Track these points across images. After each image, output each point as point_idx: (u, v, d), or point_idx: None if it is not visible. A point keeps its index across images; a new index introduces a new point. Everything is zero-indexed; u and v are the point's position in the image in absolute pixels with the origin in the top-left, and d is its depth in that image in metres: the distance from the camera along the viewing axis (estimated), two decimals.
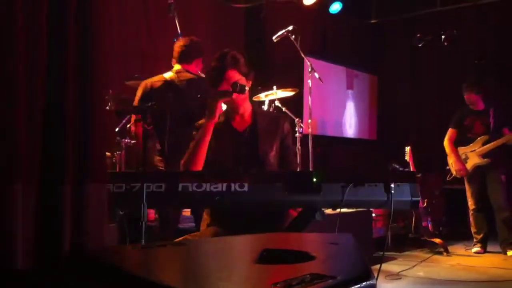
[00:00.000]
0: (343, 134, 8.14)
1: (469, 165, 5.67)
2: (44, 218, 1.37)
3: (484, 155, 5.59)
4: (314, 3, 6.93)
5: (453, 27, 6.22)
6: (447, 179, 5.96)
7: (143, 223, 1.99)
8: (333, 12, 7.30)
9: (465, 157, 5.72)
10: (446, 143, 5.88)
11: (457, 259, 5.28)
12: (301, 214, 2.42)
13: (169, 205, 2.80)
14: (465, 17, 7.46)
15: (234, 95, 2.64)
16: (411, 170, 5.93)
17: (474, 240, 5.70)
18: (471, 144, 5.70)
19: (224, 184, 2.12)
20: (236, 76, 2.70)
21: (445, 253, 5.50)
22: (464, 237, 6.08)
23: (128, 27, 5.90)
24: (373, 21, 8.49)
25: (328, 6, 7.24)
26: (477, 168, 5.64)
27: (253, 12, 7.43)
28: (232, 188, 2.12)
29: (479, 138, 5.65)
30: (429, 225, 6.12)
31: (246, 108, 2.79)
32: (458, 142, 5.83)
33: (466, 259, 5.29)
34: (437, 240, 5.67)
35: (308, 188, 2.17)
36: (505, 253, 5.45)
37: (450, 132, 5.88)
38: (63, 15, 1.48)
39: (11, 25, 1.35)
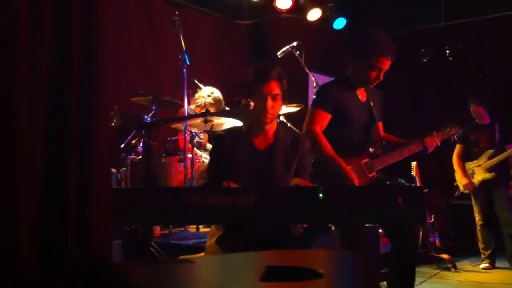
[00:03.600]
0: None
1: (476, 180, 5.63)
2: (47, 233, 1.35)
3: (489, 170, 5.55)
4: (318, 19, 6.97)
5: (457, 41, 6.22)
6: (455, 195, 5.92)
7: (148, 239, 1.97)
8: (337, 28, 7.31)
9: (472, 172, 5.69)
10: (454, 158, 5.85)
11: (465, 275, 5.22)
12: (307, 230, 2.40)
13: (174, 221, 2.79)
14: (467, 32, 7.45)
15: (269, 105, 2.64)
16: (418, 185, 5.90)
17: (482, 256, 5.65)
18: (477, 159, 5.67)
19: (230, 200, 2.10)
20: (276, 89, 2.68)
21: (453, 269, 5.44)
22: (472, 252, 6.01)
23: (132, 43, 5.93)
24: None
25: (332, 21, 7.25)
26: (483, 183, 5.60)
27: (257, 28, 7.47)
28: (238, 204, 2.10)
29: (484, 153, 5.62)
30: (436, 240, 6.06)
31: (271, 126, 2.77)
32: (464, 157, 5.80)
33: (475, 275, 5.23)
34: (445, 256, 5.61)
35: (313, 204, 2.15)
36: None
37: (457, 147, 5.85)
38: (68, 20, 1.47)
39: (16, 31, 1.35)
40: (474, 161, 5.69)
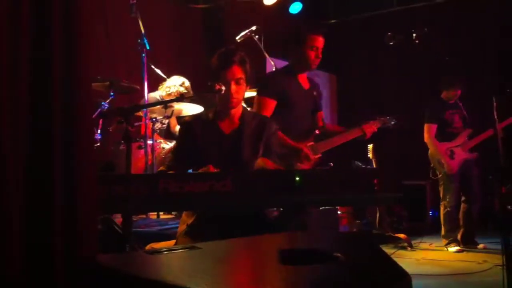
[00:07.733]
0: None
1: (457, 160, 5.50)
2: (33, 231, 1.30)
3: (471, 150, 5.53)
4: (274, 3, 6.94)
5: (409, 27, 6.28)
6: (433, 178, 5.69)
7: (128, 229, 1.93)
8: (293, 12, 7.32)
9: (450, 153, 5.51)
10: (429, 140, 5.59)
11: (421, 253, 5.38)
12: (285, 213, 2.41)
13: (151, 208, 2.75)
14: (420, 16, 7.61)
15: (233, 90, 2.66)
16: (374, 167, 6.00)
17: (449, 238, 5.49)
18: (454, 140, 5.55)
19: (207, 185, 2.07)
20: (239, 73, 2.68)
21: (409, 248, 5.59)
22: (424, 232, 6.22)
23: None
24: (331, 21, 8.58)
25: (288, 6, 7.26)
26: (464, 162, 5.51)
27: (211, 12, 7.36)
28: (215, 189, 2.08)
29: (462, 133, 5.55)
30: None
31: (237, 110, 2.77)
32: (438, 138, 5.62)
33: (430, 253, 5.41)
34: (401, 235, 5.75)
35: (291, 187, 2.15)
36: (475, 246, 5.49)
37: (430, 127, 5.60)
38: (47, 15, 1.41)
39: None
40: (452, 141, 5.53)
